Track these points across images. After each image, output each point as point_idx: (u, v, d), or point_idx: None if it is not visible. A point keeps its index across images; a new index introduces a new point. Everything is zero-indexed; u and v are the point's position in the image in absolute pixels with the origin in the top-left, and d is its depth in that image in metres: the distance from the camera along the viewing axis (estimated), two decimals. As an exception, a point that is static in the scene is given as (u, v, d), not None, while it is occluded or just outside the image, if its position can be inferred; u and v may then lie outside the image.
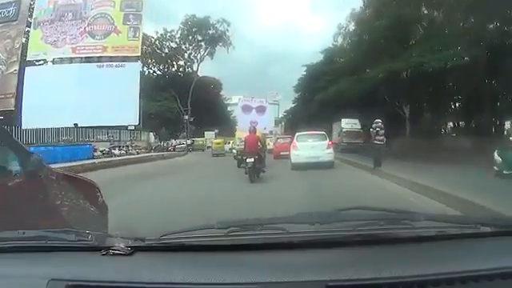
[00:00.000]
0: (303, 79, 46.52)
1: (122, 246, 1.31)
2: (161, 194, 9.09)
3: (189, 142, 42.49)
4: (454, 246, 1.31)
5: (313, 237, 1.32)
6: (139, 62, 31.20)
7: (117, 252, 1.30)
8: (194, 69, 56.25)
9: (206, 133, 50.70)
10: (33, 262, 1.32)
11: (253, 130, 12.11)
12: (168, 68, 56.53)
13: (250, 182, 10.62)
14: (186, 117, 42.72)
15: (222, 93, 64.73)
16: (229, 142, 35.90)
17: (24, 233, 1.45)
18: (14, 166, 2.83)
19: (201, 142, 44.96)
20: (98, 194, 3.44)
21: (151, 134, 41.37)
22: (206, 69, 60.54)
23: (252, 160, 10.83)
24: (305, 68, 45.37)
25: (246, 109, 66.93)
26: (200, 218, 1.67)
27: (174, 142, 41.84)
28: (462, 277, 1.08)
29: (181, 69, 56.90)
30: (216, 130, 51.82)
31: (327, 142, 15.30)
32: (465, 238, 1.35)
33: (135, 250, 1.31)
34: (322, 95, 33.37)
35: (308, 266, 1.17)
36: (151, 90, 50.55)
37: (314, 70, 42.14)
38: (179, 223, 1.62)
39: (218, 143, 35.55)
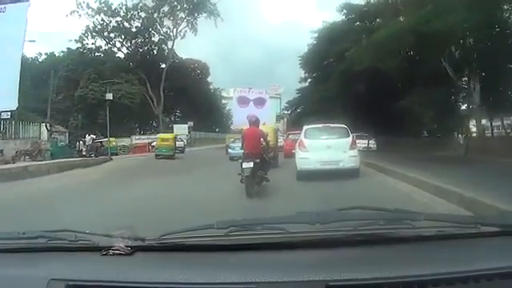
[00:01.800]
0: (313, 48, 31.45)
1: (121, 246, 1.31)
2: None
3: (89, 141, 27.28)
4: (454, 246, 1.31)
5: (313, 237, 1.32)
6: (29, 2, 20.19)
7: (117, 252, 1.30)
8: (172, 46, 45.16)
9: (175, 126, 39.47)
10: (33, 262, 1.32)
11: (254, 122, 8.78)
12: (141, 46, 44.66)
13: (246, 197, 7.56)
14: (109, 95, 26.75)
15: (209, 79, 53.30)
16: (180, 139, 26.59)
17: (24, 233, 1.45)
18: None
19: (113, 143, 29.24)
20: None
21: (43, 126, 26.01)
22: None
23: (251, 165, 7.79)
24: (315, 35, 31.12)
25: (243, 101, 54.58)
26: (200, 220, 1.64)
27: (87, 139, 27.81)
28: (462, 277, 1.08)
29: (154, 46, 45.40)
30: (190, 123, 41.20)
31: (350, 138, 10.67)
32: (465, 238, 1.35)
33: (135, 249, 1.31)
34: (354, 54, 19.71)
35: (308, 265, 1.17)
36: (111, 70, 40.80)
37: (331, 31, 28.50)
38: (179, 223, 1.62)
39: (165, 140, 23.92)
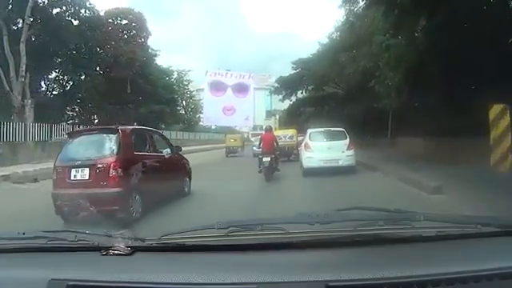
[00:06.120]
0: None
1: (122, 246, 1.31)
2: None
3: None
4: (454, 246, 1.31)
5: (313, 237, 1.32)
6: None
7: (117, 252, 1.30)
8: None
9: None
10: (33, 262, 1.32)
11: (269, 130, 12.45)
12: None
13: (265, 181, 10.68)
14: None
15: (151, 44, 33.09)
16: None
17: (24, 233, 1.45)
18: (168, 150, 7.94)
19: None
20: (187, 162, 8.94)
21: None
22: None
23: (268, 159, 10.96)
24: None
25: (217, 87, 37.33)
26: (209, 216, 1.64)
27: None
28: (462, 277, 1.08)
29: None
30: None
31: (347, 140, 12.43)
32: (465, 238, 1.35)
33: (135, 250, 1.31)
34: None
35: (308, 265, 1.17)
36: None
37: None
38: (179, 223, 1.62)
39: None
